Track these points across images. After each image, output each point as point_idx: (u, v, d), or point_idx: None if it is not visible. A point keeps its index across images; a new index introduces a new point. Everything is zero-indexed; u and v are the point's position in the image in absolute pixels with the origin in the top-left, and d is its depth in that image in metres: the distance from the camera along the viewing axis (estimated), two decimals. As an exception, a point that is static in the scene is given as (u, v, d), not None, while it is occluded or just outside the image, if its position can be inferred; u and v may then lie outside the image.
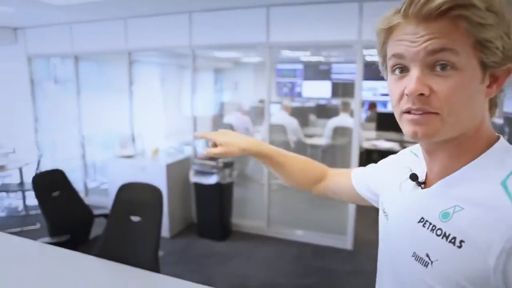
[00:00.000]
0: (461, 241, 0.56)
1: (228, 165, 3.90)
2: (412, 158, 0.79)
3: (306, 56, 6.65)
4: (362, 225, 3.81)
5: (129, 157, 4.20)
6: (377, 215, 0.81)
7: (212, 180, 3.76)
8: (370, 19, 3.30)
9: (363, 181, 0.98)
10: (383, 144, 5.30)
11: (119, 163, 4.17)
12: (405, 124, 0.61)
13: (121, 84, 4.66)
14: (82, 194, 4.99)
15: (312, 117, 6.22)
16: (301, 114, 5.46)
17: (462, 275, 0.55)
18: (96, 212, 2.98)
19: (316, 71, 7.02)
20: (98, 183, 5.27)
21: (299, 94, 7.31)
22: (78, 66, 4.91)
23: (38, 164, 4.42)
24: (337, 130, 4.67)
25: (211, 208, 3.87)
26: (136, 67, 4.79)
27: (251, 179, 4.71)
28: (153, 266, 1.91)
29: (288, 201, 4.31)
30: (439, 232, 0.59)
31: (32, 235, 2.90)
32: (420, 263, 0.62)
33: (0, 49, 5.37)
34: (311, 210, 4.16)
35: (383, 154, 5.65)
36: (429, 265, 0.60)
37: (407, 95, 0.58)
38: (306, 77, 7.16)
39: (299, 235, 3.95)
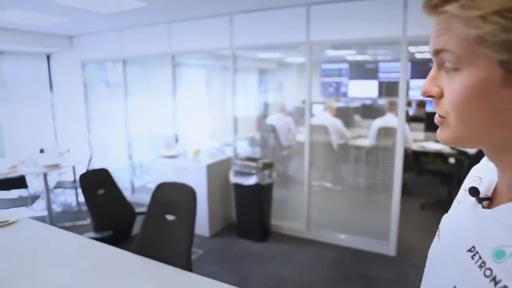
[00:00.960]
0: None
1: (268, 166, 3.89)
2: (488, 165, 0.60)
3: (351, 55, 6.49)
4: (406, 230, 3.64)
5: (172, 157, 4.32)
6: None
7: (251, 180, 3.77)
8: (415, 13, 3.14)
9: None
10: (432, 146, 5.02)
11: (162, 163, 4.31)
12: None
13: (166, 86, 4.81)
14: (128, 192, 5.25)
15: (357, 118, 6.04)
16: (345, 115, 5.32)
17: None
18: (139, 210, 3.09)
19: (362, 70, 6.82)
20: (144, 182, 5.48)
21: (345, 94, 7.15)
22: (126, 70, 5.14)
23: (89, 163, 4.68)
24: (382, 130, 4.49)
25: (250, 208, 3.88)
26: (180, 69, 4.93)
27: (293, 179, 4.66)
28: (186, 264, 1.93)
29: (329, 203, 4.21)
30: (487, 272, 0.47)
31: (82, 229, 3.09)
32: None
33: (59, 56, 5.78)
34: (353, 213, 4.03)
35: (432, 156, 5.38)
36: None
37: None
38: (352, 77, 6.98)
39: (339, 238, 3.84)
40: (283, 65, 7.01)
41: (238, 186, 3.90)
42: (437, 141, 5.09)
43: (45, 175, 4.12)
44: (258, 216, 3.86)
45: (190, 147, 4.53)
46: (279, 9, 3.78)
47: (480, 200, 0.56)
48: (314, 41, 3.70)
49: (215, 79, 6.06)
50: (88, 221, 4.34)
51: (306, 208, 3.99)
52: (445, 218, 0.66)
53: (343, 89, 7.14)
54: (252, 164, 3.80)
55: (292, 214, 4.17)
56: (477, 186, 0.58)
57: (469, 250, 0.51)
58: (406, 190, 4.56)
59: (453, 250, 0.56)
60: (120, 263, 1.93)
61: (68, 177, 5.04)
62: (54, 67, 5.91)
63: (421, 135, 5.58)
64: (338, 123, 4.86)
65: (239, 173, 3.88)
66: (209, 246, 3.81)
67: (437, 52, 0.50)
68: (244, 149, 4.80)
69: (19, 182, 3.77)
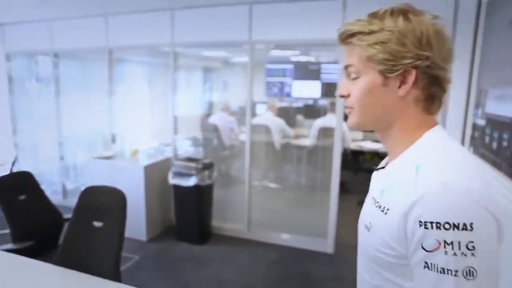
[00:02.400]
0: (387, 209, 0.73)
1: (208, 166, 3.81)
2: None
3: (295, 56, 6.59)
4: (343, 227, 3.74)
5: (108, 158, 4.08)
6: (359, 216, 0.90)
7: (190, 182, 3.66)
8: (354, 16, 3.22)
9: None
10: (369, 145, 5.23)
11: (97, 164, 4.06)
12: None
13: (103, 83, 4.54)
14: (59, 196, 4.90)
15: (300, 118, 6.13)
16: (288, 115, 5.38)
17: (387, 234, 0.72)
18: (68, 215, 2.86)
19: (305, 71, 6.94)
20: (78, 184, 5.13)
21: (289, 94, 7.23)
22: (58, 64, 4.78)
23: (13, 165, 4.29)
24: (323, 130, 4.59)
25: (190, 210, 3.77)
26: (119, 66, 4.67)
27: (235, 179, 4.62)
28: (114, 274, 1.80)
29: (270, 203, 4.23)
30: (377, 204, 0.78)
31: (2, 240, 2.80)
32: (366, 229, 0.80)
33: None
34: (293, 212, 4.07)
35: (369, 155, 5.61)
36: (370, 229, 0.78)
37: None
38: (296, 77, 7.09)
39: (280, 238, 3.86)
40: (228, 64, 6.96)
41: (177, 188, 3.78)
42: (374, 141, 5.33)
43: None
44: (198, 218, 3.77)
45: (127, 147, 4.32)
46: (222, 6, 3.70)
47: (378, 169, 0.89)
48: (256, 40, 3.67)
49: (157, 77, 5.84)
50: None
51: (247, 209, 3.97)
52: None
53: (287, 89, 7.23)
54: (192, 164, 3.69)
55: (233, 215, 4.12)
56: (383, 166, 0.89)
57: (372, 199, 0.82)
58: (344, 188, 4.70)
59: (366, 202, 0.87)
60: (37, 277, 1.75)
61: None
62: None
63: (359, 135, 5.79)
64: (280, 122, 4.89)
65: (178, 174, 3.75)
66: (146, 251, 3.64)
67: (347, 67, 0.80)
68: (186, 149, 4.66)
69: None
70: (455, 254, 0.61)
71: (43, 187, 5.08)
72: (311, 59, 6.77)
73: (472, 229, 0.61)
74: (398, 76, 0.74)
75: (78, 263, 1.85)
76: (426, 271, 0.64)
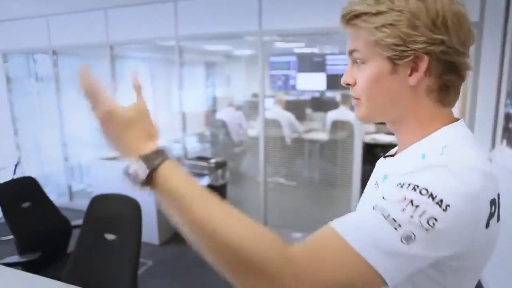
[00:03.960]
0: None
1: (221, 165, 3.63)
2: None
3: (299, 48, 6.41)
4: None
5: (114, 159, 3.90)
6: None
7: (203, 182, 3.49)
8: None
9: None
10: (384, 138, 5.04)
11: (103, 165, 3.88)
12: None
13: (105, 80, 4.34)
14: (66, 198, 4.74)
15: (308, 111, 5.94)
16: (296, 108, 5.19)
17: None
18: (76, 222, 2.67)
19: (310, 63, 6.75)
20: (84, 186, 4.97)
21: (293, 87, 7.04)
22: (57, 62, 4.58)
23: (16, 168, 4.11)
24: (337, 124, 4.40)
25: (203, 212, 3.60)
26: (122, 62, 4.48)
27: (247, 177, 4.44)
28: (131, 293, 1.63)
29: (285, 200, 4.05)
30: (377, 188, 0.77)
31: (8, 246, 2.64)
32: None
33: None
34: (310, 209, 3.90)
35: (385, 148, 5.42)
36: None
37: None
38: (300, 70, 6.90)
39: (296, 237, 3.69)
40: (231, 58, 6.76)
41: (189, 188, 3.60)
42: (388, 133, 5.13)
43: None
44: (212, 219, 3.59)
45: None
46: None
47: (385, 157, 0.82)
48: (266, 30, 3.47)
49: (160, 73, 5.65)
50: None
51: (262, 207, 3.79)
52: None
53: (291, 82, 7.04)
54: (204, 164, 3.52)
55: (248, 214, 3.93)
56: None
57: (375, 183, 0.79)
58: (363, 184, 4.53)
59: (368, 189, 0.84)
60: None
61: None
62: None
63: (371, 127, 5.60)
64: (289, 116, 4.71)
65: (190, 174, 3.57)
66: (160, 255, 3.48)
67: (351, 52, 0.70)
68: (193, 146, 4.49)
69: None
70: (411, 216, 0.54)
71: (48, 189, 4.96)
72: (315, 50, 6.58)
73: (445, 210, 0.54)
74: (408, 63, 0.65)
75: (90, 280, 1.68)
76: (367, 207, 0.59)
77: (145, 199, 3.42)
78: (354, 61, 0.70)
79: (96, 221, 1.83)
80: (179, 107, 4.00)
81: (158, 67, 5.71)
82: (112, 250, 1.75)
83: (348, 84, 0.72)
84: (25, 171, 4.95)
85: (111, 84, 4.25)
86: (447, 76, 0.66)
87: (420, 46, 0.63)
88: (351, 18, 0.67)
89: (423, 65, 0.64)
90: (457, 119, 0.71)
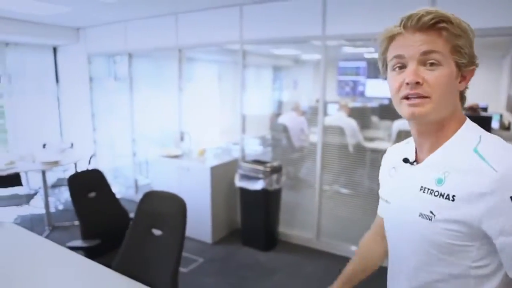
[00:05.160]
0: (453, 196, 0.77)
1: (276, 170, 3.61)
2: (395, 151, 1.03)
3: (369, 53, 6.15)
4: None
5: (175, 157, 4.08)
6: None
7: (258, 185, 3.49)
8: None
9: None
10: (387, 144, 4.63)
11: (164, 162, 4.07)
12: (404, 107, 0.80)
13: (173, 81, 4.57)
14: (132, 191, 5.05)
15: (374, 119, 5.67)
16: (361, 115, 4.98)
17: (459, 219, 0.76)
18: (133, 215, 2.85)
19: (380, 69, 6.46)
20: (149, 180, 5.26)
21: (362, 94, 6.78)
22: (132, 63, 4.92)
23: (90, 160, 4.48)
24: (402, 134, 4.14)
25: (256, 215, 3.61)
26: (189, 64, 4.67)
27: (305, 183, 4.36)
28: (172, 287, 1.67)
29: (342, 210, 3.89)
30: (436, 193, 0.80)
31: (77, 230, 2.87)
32: (426, 218, 0.81)
33: (65, 48, 5.61)
34: (366, 221, 3.70)
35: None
36: (433, 218, 0.80)
37: (407, 83, 0.78)
38: (370, 75, 6.62)
39: (351, 250, 3.53)
40: (299, 62, 6.71)
41: (244, 191, 3.63)
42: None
43: (43, 172, 3.94)
44: (265, 223, 3.58)
45: (195, 146, 4.28)
46: (293, 0, 3.47)
47: (412, 163, 0.91)
48: (329, 35, 3.38)
49: (226, 75, 5.79)
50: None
51: (316, 215, 3.70)
52: (385, 188, 1.04)
53: (360, 88, 6.79)
54: (259, 167, 3.52)
55: (302, 221, 3.87)
56: (407, 157, 0.92)
57: (420, 189, 0.84)
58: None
59: (408, 196, 0.87)
60: (96, 281, 1.68)
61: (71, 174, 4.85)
62: (61, 60, 5.73)
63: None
64: (353, 124, 4.53)
65: (245, 177, 3.60)
66: (211, 254, 3.55)
67: (427, 52, 0.77)
68: (254, 148, 4.52)
69: (14, 180, 3.58)
70: None
71: (118, 181, 5.33)
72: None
73: None
74: (467, 71, 0.81)
75: (137, 270, 1.76)
76: None
77: (201, 198, 3.51)
78: (424, 62, 0.78)
79: (145, 216, 1.91)
80: (239, 109, 4.06)
81: (225, 69, 5.85)
82: (157, 244, 1.81)
83: (417, 83, 0.77)
84: (99, 163, 5.38)
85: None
86: (466, 88, 0.85)
87: (476, 60, 0.81)
88: (437, 22, 0.76)
89: (471, 74, 0.82)
90: (465, 117, 0.86)
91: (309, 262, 3.43)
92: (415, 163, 0.89)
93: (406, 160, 0.91)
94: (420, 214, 0.81)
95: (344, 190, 3.99)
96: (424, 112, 0.78)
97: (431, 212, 0.79)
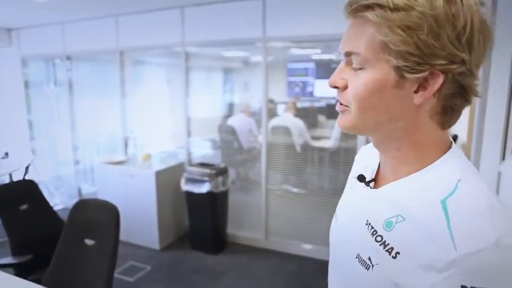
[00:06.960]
0: (396, 253, 0.56)
1: (222, 172, 3.60)
2: (370, 152, 0.75)
3: (317, 54, 6.34)
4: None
5: (119, 163, 3.95)
6: None
7: (203, 188, 3.47)
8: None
9: None
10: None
11: (107, 169, 3.93)
12: None
13: (116, 85, 4.43)
14: (75, 199, 4.80)
15: (322, 118, 5.84)
16: (309, 115, 5.11)
17: (397, 281, 0.56)
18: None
19: (328, 70, 6.66)
20: (94, 189, 5.06)
21: (311, 94, 6.97)
22: (72, 67, 4.70)
23: (26, 170, 4.22)
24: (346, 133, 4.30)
25: (203, 218, 3.58)
26: (138, 67, 4.56)
27: (254, 184, 4.39)
28: (106, 299, 1.61)
29: (290, 209, 3.97)
30: (378, 238, 0.60)
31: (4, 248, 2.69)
32: (363, 265, 0.62)
33: (-3, 51, 5.24)
34: (315, 219, 3.80)
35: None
36: (370, 268, 0.60)
37: None
38: (318, 76, 6.82)
39: (300, 248, 3.60)
40: (249, 64, 6.76)
41: (190, 194, 3.59)
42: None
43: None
44: (212, 226, 3.56)
45: (141, 152, 4.17)
46: (234, 2, 3.49)
47: (367, 183, 0.68)
48: (270, 37, 3.44)
49: (174, 78, 5.71)
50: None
51: (264, 215, 3.74)
52: (340, 202, 0.79)
53: (309, 89, 6.97)
54: (205, 170, 3.50)
55: (250, 222, 3.89)
56: (363, 174, 0.70)
57: (366, 224, 0.63)
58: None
59: (352, 225, 0.67)
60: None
61: None
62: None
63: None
64: (300, 124, 4.64)
65: (191, 180, 3.56)
66: (159, 261, 3.47)
67: (348, 54, 0.59)
68: (203, 151, 4.48)
69: None
70: None
71: (61, 191, 5.06)
72: (333, 57, 6.49)
73: None
74: (419, 78, 0.53)
75: (69, 283, 1.68)
76: None
77: (147, 204, 3.42)
78: (349, 63, 0.59)
79: (77, 226, 1.83)
80: (184, 113, 4.02)
81: (174, 72, 5.77)
82: (90, 255, 1.74)
83: (336, 87, 0.60)
84: (39, 173, 5.09)
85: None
86: (455, 100, 0.56)
87: (439, 62, 0.51)
88: (359, 8, 0.54)
89: (436, 84, 0.53)
90: (450, 142, 0.62)
91: (258, 262, 3.45)
92: (371, 184, 0.68)
93: (361, 178, 0.69)
94: (358, 257, 0.63)
95: (294, 189, 4.06)
96: (344, 124, 0.61)
97: (369, 259, 0.60)
